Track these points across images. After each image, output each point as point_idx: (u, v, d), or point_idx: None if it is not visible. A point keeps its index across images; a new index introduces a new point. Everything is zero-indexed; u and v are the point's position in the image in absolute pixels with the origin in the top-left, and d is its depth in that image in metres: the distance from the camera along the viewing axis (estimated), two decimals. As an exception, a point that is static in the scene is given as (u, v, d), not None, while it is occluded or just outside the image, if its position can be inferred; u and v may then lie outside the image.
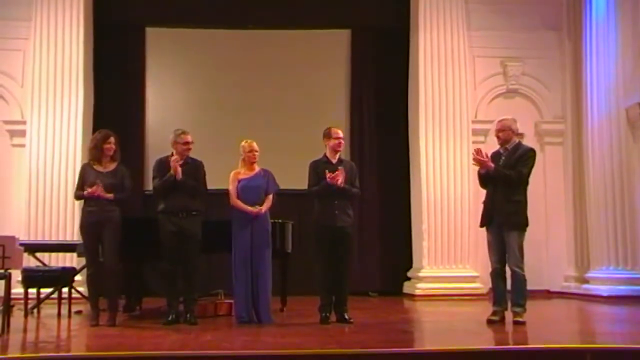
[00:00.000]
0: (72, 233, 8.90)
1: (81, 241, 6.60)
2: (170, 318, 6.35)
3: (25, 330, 6.21)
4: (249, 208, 6.44)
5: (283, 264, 7.54)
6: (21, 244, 6.13)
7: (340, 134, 6.73)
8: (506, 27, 10.31)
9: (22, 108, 9.72)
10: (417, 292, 9.48)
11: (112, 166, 6.44)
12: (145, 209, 7.31)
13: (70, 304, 7.26)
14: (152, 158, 9.47)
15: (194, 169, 6.58)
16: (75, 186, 6.59)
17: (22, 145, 9.56)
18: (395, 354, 4.81)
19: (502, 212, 6.28)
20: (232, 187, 6.60)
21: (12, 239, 5.77)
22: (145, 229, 6.64)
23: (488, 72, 10.32)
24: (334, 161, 6.62)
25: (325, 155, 6.67)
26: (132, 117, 10.16)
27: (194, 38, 10.51)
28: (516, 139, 6.51)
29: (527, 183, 6.38)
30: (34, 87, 9.52)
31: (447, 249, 9.61)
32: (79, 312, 7.37)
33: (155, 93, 10.41)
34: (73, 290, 7.42)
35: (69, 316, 7.13)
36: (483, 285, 9.45)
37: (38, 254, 7.65)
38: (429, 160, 9.80)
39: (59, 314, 7.14)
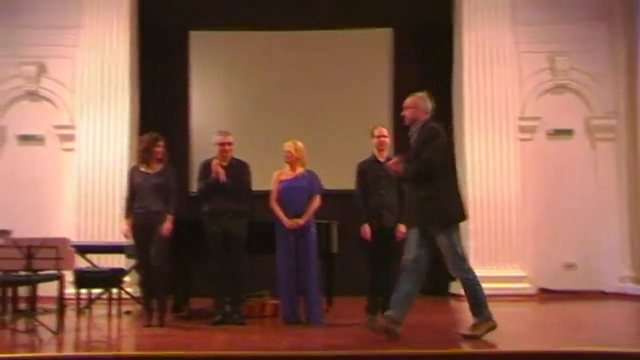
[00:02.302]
0: (120, 235, 9.04)
1: (130, 243, 6.72)
2: (217, 318, 6.42)
3: (78, 330, 6.37)
4: (285, 219, 6.47)
5: (328, 265, 7.53)
6: (72, 246, 6.25)
7: (384, 131, 6.72)
8: (553, 20, 10.04)
9: (72, 113, 9.93)
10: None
11: (159, 167, 6.54)
12: (190, 211, 7.39)
13: (120, 304, 7.39)
14: (196, 160, 9.57)
15: (238, 170, 6.64)
16: (126, 189, 6.70)
17: (72, 150, 9.78)
18: (444, 356, 4.77)
19: (417, 214, 5.44)
20: (273, 188, 6.63)
21: (65, 240, 5.90)
22: (191, 230, 6.71)
23: (535, 68, 10.07)
24: (382, 160, 6.61)
25: (373, 155, 6.68)
26: (176, 119, 10.28)
27: (237, 40, 10.57)
28: (424, 119, 5.52)
29: (445, 172, 5.38)
30: (83, 92, 9.73)
31: (495, 248, 9.44)
32: (128, 312, 7.49)
33: (199, 95, 10.52)
34: (122, 291, 7.54)
35: (119, 316, 7.25)
36: (532, 285, 9.32)
37: (88, 256, 7.79)
38: (474, 159, 9.66)
39: (109, 314, 7.28)
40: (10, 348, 5.28)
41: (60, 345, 5.48)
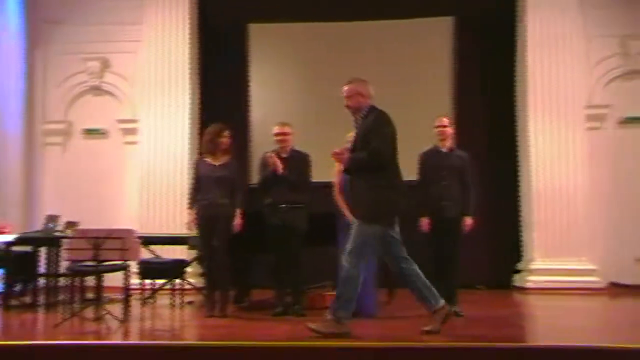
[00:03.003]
0: (183, 226, 9.16)
1: (193, 234, 6.78)
2: (278, 310, 6.42)
3: (142, 319, 6.46)
4: (348, 213, 6.41)
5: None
6: (137, 237, 6.35)
7: (444, 121, 6.61)
8: (625, 1, 9.66)
9: (134, 107, 10.12)
10: (528, 285, 9.14)
11: (224, 159, 6.58)
12: (250, 203, 7.42)
13: (182, 295, 7.48)
14: (256, 153, 9.63)
15: (298, 161, 6.62)
16: (191, 180, 6.77)
17: (135, 143, 9.97)
18: (509, 350, 4.65)
19: (361, 206, 5.14)
20: (336, 179, 6.58)
21: (130, 232, 5.99)
22: (252, 222, 6.73)
23: (604, 53, 9.70)
24: (445, 150, 6.49)
25: (435, 145, 6.58)
26: (236, 112, 10.34)
27: (296, 32, 10.56)
28: (368, 104, 5.24)
29: (391, 164, 5.10)
30: (145, 86, 9.90)
31: (560, 240, 9.18)
32: (190, 303, 7.58)
33: (258, 88, 10.55)
34: (185, 282, 7.64)
35: (182, 306, 7.35)
36: (602, 279, 9.04)
37: (151, 247, 7.91)
38: (539, 148, 9.41)
39: (172, 304, 7.38)
40: (79, 335, 5.42)
41: (126, 334, 5.59)
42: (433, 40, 10.37)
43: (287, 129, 6.67)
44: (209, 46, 10.30)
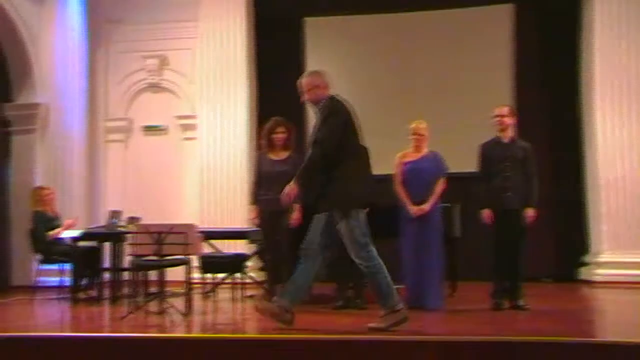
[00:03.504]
0: (242, 220, 9.23)
1: (253, 228, 6.80)
2: (339, 303, 6.40)
3: (204, 313, 6.51)
4: (410, 206, 6.34)
5: (451, 249, 7.32)
6: (199, 232, 6.40)
7: (503, 111, 6.41)
8: None
9: (192, 103, 10.23)
10: (596, 278, 8.87)
11: (284, 154, 6.55)
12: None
13: (243, 289, 7.52)
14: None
15: None
16: (253, 176, 6.77)
17: (194, 138, 10.09)
18: (577, 345, 4.49)
19: (321, 198, 4.99)
20: (396, 171, 6.51)
21: (192, 226, 6.04)
22: (311, 215, 6.67)
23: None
24: (506, 141, 6.33)
25: (496, 136, 6.42)
26: (294, 107, 10.28)
27: (352, 25, 10.50)
28: (326, 95, 5.06)
29: (347, 153, 4.93)
30: (202, 82, 9.99)
31: (630, 233, 8.86)
32: (251, 297, 7.61)
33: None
34: (245, 276, 7.67)
35: (243, 300, 7.39)
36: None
37: (212, 241, 7.98)
38: (606, 138, 9.09)
39: (233, 298, 7.42)
40: (143, 328, 5.48)
41: (189, 327, 5.64)
42: (492, 28, 10.17)
43: None
44: (266, 40, 10.33)
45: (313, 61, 10.50)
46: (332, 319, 5.82)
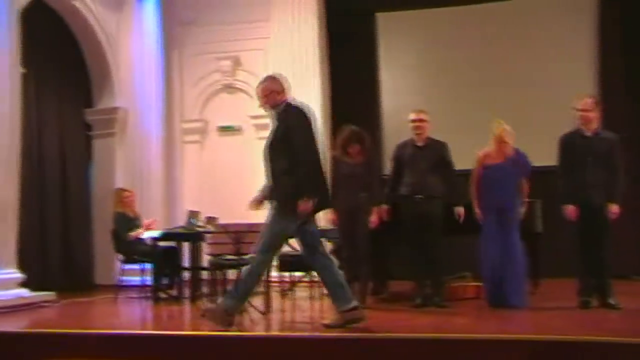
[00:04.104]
0: (318, 219, 9.19)
1: (329, 227, 6.77)
2: (418, 301, 6.30)
3: (283, 311, 6.53)
4: (477, 210, 6.21)
5: (532, 245, 7.09)
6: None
7: (586, 104, 6.08)
8: None
9: (267, 103, 10.27)
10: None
11: (360, 158, 6.48)
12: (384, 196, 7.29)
13: (320, 287, 7.50)
14: (388, 142, 9.55)
15: (436, 151, 6.42)
16: (330, 179, 6.69)
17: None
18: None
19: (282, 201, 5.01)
20: (475, 171, 6.33)
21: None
22: (389, 213, 6.61)
23: None
24: (589, 134, 6.07)
25: (578, 128, 6.16)
26: (367, 102, 10.31)
27: (424, 18, 10.36)
28: (284, 100, 5.14)
29: (312, 151, 4.95)
30: (275, 81, 10.02)
31: None
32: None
33: (388, 77, 10.45)
34: (322, 274, 7.65)
35: (320, 298, 7.37)
36: None
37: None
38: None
39: (311, 296, 7.41)
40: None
41: (268, 326, 5.66)
42: (573, 18, 9.82)
43: (423, 116, 6.47)
44: (337, 37, 10.30)
45: (386, 57, 10.43)
46: (412, 317, 5.74)
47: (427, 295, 6.33)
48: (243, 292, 5.05)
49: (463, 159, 6.60)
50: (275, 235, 5.00)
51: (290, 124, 4.97)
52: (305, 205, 4.85)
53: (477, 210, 6.26)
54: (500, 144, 6.20)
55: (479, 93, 9.66)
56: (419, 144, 6.43)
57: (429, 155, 6.37)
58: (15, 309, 6.66)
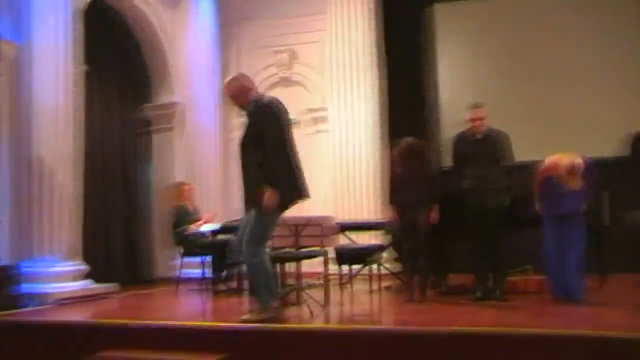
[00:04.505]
0: (375, 211, 9.18)
1: (386, 219, 6.72)
2: (479, 295, 6.19)
3: (341, 304, 6.51)
4: (538, 205, 6.05)
5: (599, 238, 6.88)
6: (335, 224, 6.41)
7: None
8: None
9: (323, 95, 10.29)
10: None
11: (416, 162, 6.42)
12: (444, 186, 7.18)
13: (379, 280, 7.46)
14: (445, 132, 9.42)
15: (495, 142, 6.29)
16: (390, 181, 6.64)
17: (325, 131, 10.14)
18: None
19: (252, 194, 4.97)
20: (540, 174, 6.11)
21: (328, 218, 6.07)
22: (448, 205, 6.51)
23: None
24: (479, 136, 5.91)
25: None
26: (424, 92, 10.18)
27: (483, 9, 10.15)
28: (254, 95, 5.15)
29: (284, 145, 4.99)
30: (332, 74, 10.01)
31: None
32: (388, 288, 7.55)
33: (447, 69, 10.29)
34: (381, 267, 7.61)
35: (379, 291, 7.33)
36: None
37: (347, 233, 7.97)
38: None
39: (369, 289, 7.38)
40: (283, 319, 5.54)
41: (327, 318, 5.65)
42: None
43: (482, 113, 6.28)
44: (394, 29, 10.20)
45: (444, 48, 10.28)
46: (473, 311, 5.65)
47: (488, 288, 6.21)
48: (267, 292, 5.03)
49: (523, 151, 6.45)
50: (259, 232, 4.94)
51: (262, 119, 4.96)
52: (270, 198, 4.81)
53: (537, 206, 6.11)
54: (569, 175, 6.00)
55: (539, 84, 9.41)
56: (478, 136, 6.30)
57: (489, 147, 6.23)
58: (81, 299, 6.84)
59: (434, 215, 6.32)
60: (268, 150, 4.86)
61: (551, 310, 5.67)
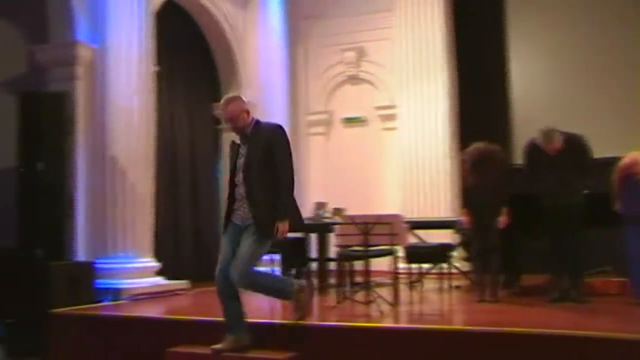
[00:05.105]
0: (445, 210, 9.04)
1: (456, 218, 6.60)
2: (554, 296, 5.99)
3: (411, 303, 6.43)
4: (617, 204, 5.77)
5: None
6: (405, 222, 6.32)
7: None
8: None
9: (391, 93, 10.21)
10: None
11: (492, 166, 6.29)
12: (516, 184, 6.98)
13: (449, 279, 7.34)
14: (518, 130, 9.21)
15: (570, 152, 6.04)
16: (462, 183, 6.51)
17: (393, 129, 10.05)
18: None
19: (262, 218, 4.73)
20: (619, 173, 5.90)
21: (398, 217, 5.99)
22: (522, 205, 6.33)
23: None
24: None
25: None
26: (496, 89, 9.96)
27: (558, 3, 9.84)
28: (252, 118, 4.86)
29: (292, 171, 4.88)
30: (401, 72, 9.92)
31: None
32: (457, 287, 7.42)
33: (518, 63, 10.02)
34: (451, 266, 7.48)
35: (449, 291, 7.21)
36: None
37: (416, 231, 7.87)
38: None
39: (439, 289, 7.27)
40: (351, 317, 5.51)
41: (396, 317, 5.59)
42: None
43: (556, 144, 5.95)
44: (464, 24, 10.03)
45: (515, 40, 10.02)
46: (548, 312, 5.49)
47: (564, 289, 6.01)
48: (283, 289, 4.92)
49: (602, 147, 6.21)
50: (258, 254, 4.78)
51: (273, 143, 4.81)
52: (284, 227, 4.74)
53: (617, 205, 5.88)
54: None
55: (618, 79, 9.06)
56: (552, 153, 6.05)
57: (565, 159, 6.00)
58: (152, 295, 6.97)
59: (504, 219, 6.17)
60: (281, 176, 4.79)
61: (633, 313, 5.46)
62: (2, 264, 6.32)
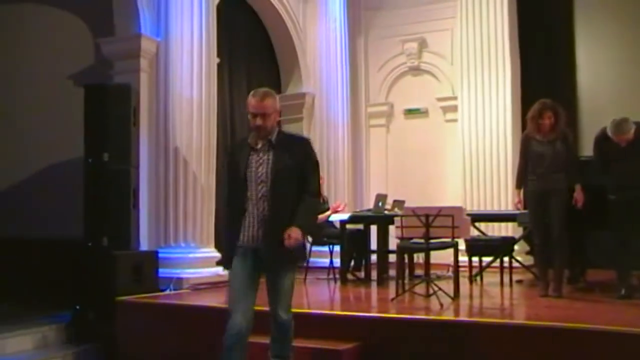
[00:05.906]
0: (506, 203, 8.87)
1: (521, 211, 6.45)
2: (622, 292, 5.80)
3: (471, 297, 6.35)
4: None
5: None
6: (467, 214, 6.24)
7: None
8: None
9: (453, 84, 10.08)
10: None
11: (552, 135, 6.08)
12: (583, 177, 6.74)
13: (511, 273, 7.21)
14: (585, 122, 8.99)
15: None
16: (520, 159, 6.33)
17: (455, 120, 9.92)
18: None
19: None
20: None
21: (460, 209, 5.92)
22: (589, 198, 6.13)
23: None
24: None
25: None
26: (561, 80, 9.70)
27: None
28: (278, 126, 4.15)
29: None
30: (463, 63, 9.77)
31: None
32: (519, 282, 7.29)
33: (585, 54, 9.74)
34: (513, 260, 7.35)
35: (510, 285, 7.08)
36: None
37: (478, 224, 7.76)
38: None
39: (500, 282, 7.14)
40: (410, 310, 5.50)
41: (456, 311, 5.52)
42: None
43: (629, 136, 5.72)
44: (528, 13, 9.80)
45: (582, 31, 9.73)
46: (616, 309, 5.33)
47: (632, 286, 5.82)
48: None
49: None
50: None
51: (304, 159, 4.06)
52: (297, 234, 3.95)
53: None
54: None
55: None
56: (623, 144, 5.84)
57: (637, 150, 5.78)
58: (212, 285, 7.06)
59: (579, 196, 5.94)
60: (308, 196, 4.04)
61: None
62: (70, 253, 6.51)
